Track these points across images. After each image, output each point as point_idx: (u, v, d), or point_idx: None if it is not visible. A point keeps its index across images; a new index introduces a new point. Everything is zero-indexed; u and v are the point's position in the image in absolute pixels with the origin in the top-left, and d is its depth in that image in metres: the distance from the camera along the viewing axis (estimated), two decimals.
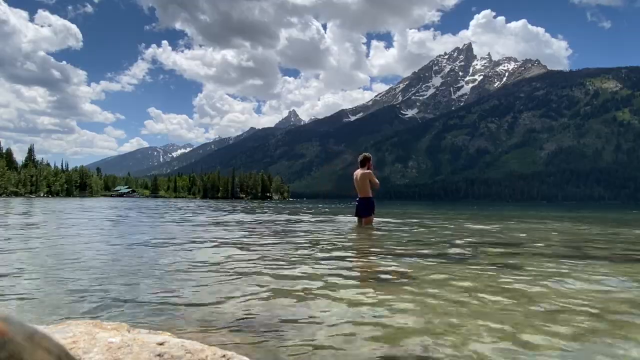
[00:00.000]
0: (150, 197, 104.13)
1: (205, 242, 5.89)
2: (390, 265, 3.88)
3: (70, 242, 5.70)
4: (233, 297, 2.59)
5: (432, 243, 5.49)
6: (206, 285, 3.01)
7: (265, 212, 17.05)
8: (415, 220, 10.98)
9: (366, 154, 7.14)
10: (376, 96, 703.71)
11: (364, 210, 7.03)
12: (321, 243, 5.95)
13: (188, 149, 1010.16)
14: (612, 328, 1.93)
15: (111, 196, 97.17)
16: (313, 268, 3.72)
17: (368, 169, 6.98)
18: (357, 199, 7.17)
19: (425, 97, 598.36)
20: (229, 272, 3.52)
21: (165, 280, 3.16)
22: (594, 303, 2.47)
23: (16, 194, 73.25)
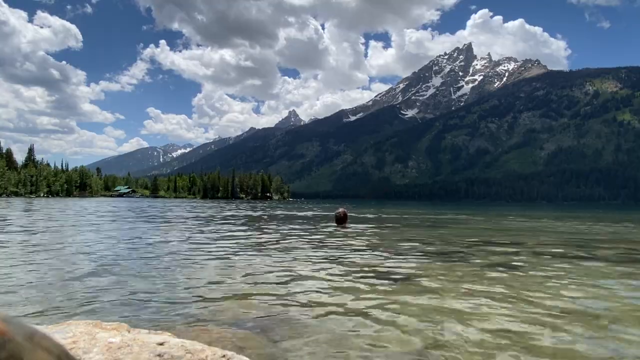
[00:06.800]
0: (150, 197, 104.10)
1: (204, 243, 5.93)
2: (392, 265, 3.90)
3: (70, 243, 5.72)
4: (233, 297, 2.56)
5: None
6: (206, 285, 2.99)
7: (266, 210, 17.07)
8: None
9: (344, 212, 9.34)
10: (376, 96, 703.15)
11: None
12: (321, 243, 5.98)
13: (188, 149, 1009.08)
14: (610, 328, 1.92)
15: (111, 196, 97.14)
16: (314, 268, 3.69)
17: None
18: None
19: (425, 97, 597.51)
20: (229, 272, 3.51)
21: (165, 280, 3.14)
22: (594, 302, 2.42)
23: (16, 194, 73.18)
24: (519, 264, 4.00)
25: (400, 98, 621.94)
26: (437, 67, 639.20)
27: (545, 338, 1.80)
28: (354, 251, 4.96)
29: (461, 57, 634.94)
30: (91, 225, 9.11)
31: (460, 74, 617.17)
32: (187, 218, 12.68)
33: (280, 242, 5.95)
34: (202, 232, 7.77)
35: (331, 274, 3.36)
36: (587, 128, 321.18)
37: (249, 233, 7.47)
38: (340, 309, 2.28)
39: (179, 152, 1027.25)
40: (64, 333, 1.15)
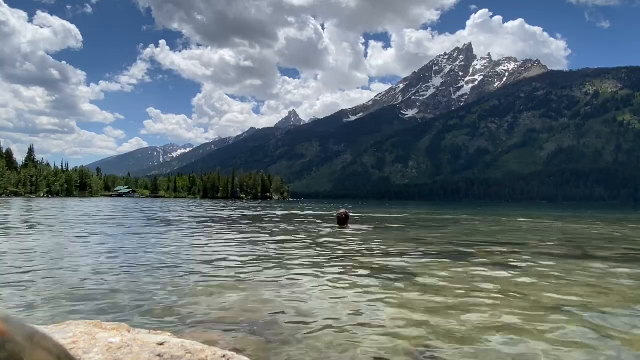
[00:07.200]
0: (150, 197, 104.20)
1: (204, 244, 5.95)
2: (393, 265, 4.00)
3: (71, 243, 5.73)
4: (233, 297, 2.56)
5: None
6: (206, 285, 3.01)
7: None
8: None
9: (346, 213, 9.33)
10: (376, 96, 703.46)
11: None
12: (322, 244, 5.99)
13: (188, 149, 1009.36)
14: (611, 332, 1.91)
15: (111, 196, 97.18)
16: (315, 269, 3.72)
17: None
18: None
19: (425, 97, 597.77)
20: (228, 271, 3.55)
21: (164, 280, 3.17)
22: (590, 300, 2.46)
23: (16, 194, 73.20)
24: (519, 264, 4.01)
25: (400, 98, 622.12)
26: (437, 67, 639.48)
27: (545, 339, 1.80)
28: (356, 252, 4.97)
29: (461, 57, 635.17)
30: (92, 225, 9.13)
31: (460, 74, 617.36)
32: (188, 219, 12.70)
33: (281, 243, 5.96)
34: (202, 233, 7.79)
35: (332, 275, 3.37)
36: (587, 128, 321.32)
37: (249, 234, 7.49)
38: (341, 311, 2.27)
39: (179, 152, 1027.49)
40: (64, 333, 1.15)
